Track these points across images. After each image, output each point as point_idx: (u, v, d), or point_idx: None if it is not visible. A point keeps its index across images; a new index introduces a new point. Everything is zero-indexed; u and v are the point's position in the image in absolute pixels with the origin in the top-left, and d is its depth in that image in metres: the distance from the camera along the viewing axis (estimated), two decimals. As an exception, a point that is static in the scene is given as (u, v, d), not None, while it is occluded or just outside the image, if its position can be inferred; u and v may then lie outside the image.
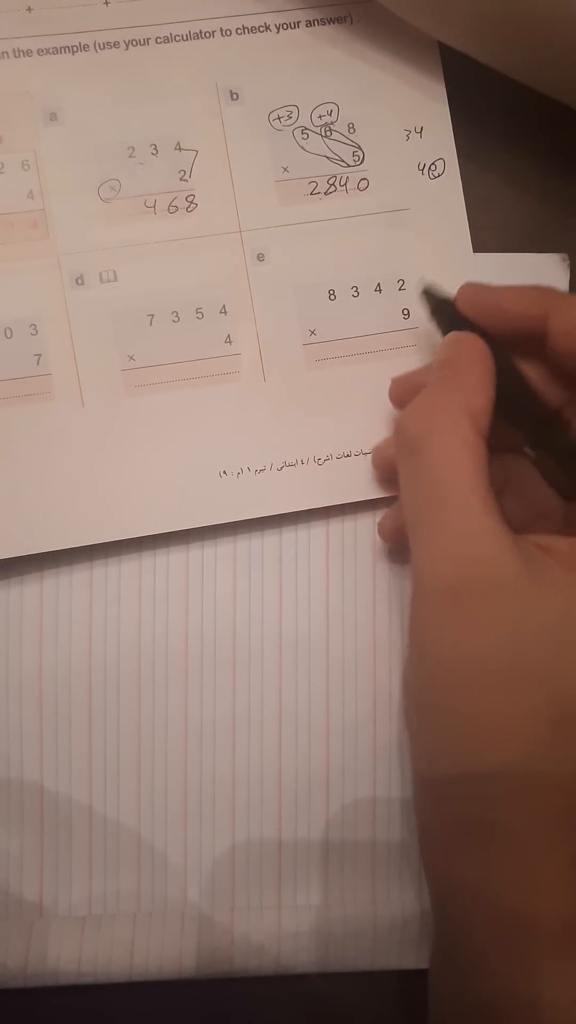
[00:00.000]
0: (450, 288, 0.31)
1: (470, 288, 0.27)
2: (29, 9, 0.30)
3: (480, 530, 0.23)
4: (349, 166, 0.30)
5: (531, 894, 0.24)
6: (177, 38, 0.30)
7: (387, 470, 0.29)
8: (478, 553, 0.23)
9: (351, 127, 0.30)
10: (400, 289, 0.30)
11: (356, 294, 0.30)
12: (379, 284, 0.30)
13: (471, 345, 0.26)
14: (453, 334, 0.27)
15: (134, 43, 0.30)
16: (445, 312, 0.28)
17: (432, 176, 0.31)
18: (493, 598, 0.22)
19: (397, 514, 0.29)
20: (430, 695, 0.24)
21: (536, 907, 0.24)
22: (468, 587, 0.23)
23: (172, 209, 0.30)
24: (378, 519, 0.30)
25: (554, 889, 0.24)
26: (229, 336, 0.30)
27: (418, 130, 0.31)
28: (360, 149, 0.31)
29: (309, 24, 0.30)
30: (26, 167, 0.30)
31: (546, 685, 0.22)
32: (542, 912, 0.24)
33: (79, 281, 0.30)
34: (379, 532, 0.30)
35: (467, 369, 0.25)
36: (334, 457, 0.30)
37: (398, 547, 0.30)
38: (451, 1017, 0.25)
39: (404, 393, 0.29)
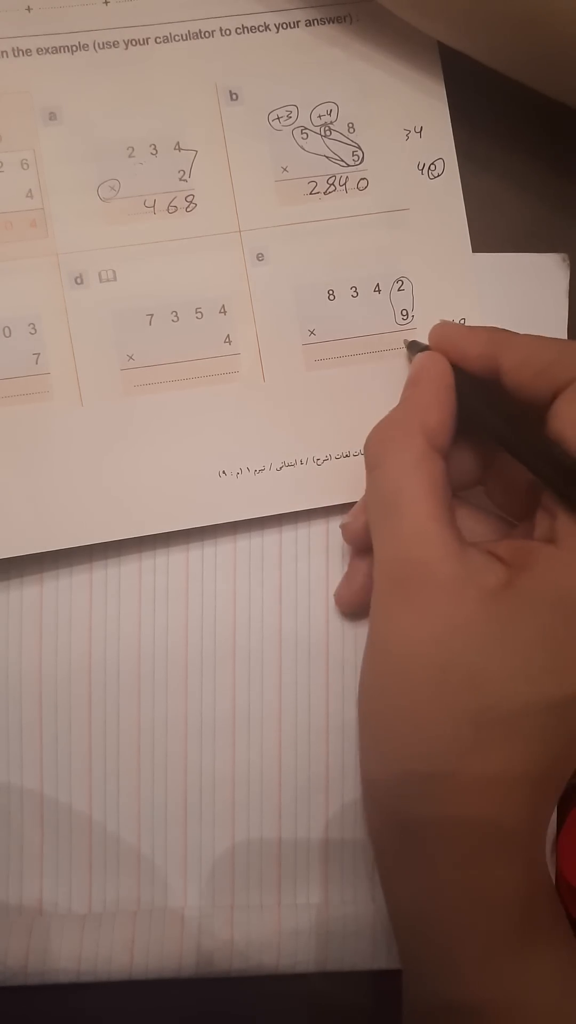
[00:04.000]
0: (449, 289, 0.31)
1: (439, 325, 0.28)
2: (28, 9, 0.30)
3: (424, 535, 0.24)
4: (349, 166, 0.30)
5: (468, 899, 0.24)
6: (176, 38, 0.30)
7: (358, 541, 0.29)
8: (420, 555, 0.24)
9: (351, 127, 0.30)
10: (399, 289, 0.30)
11: (355, 294, 0.30)
12: (378, 284, 0.30)
13: (431, 362, 0.27)
14: (418, 355, 0.28)
15: (133, 43, 0.30)
16: (416, 350, 0.29)
17: (432, 176, 0.31)
18: (429, 596, 0.24)
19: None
20: (374, 686, 0.26)
21: (471, 912, 0.24)
22: (409, 585, 0.24)
23: (171, 209, 0.30)
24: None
25: (500, 891, 0.24)
26: (228, 336, 0.30)
27: (418, 130, 0.31)
28: (360, 149, 0.30)
29: (308, 24, 0.30)
30: (25, 166, 0.30)
31: (471, 684, 0.24)
32: (479, 917, 0.24)
33: (78, 280, 0.30)
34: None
35: (425, 387, 0.27)
36: (333, 457, 0.30)
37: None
38: (419, 1016, 0.26)
39: None
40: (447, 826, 0.24)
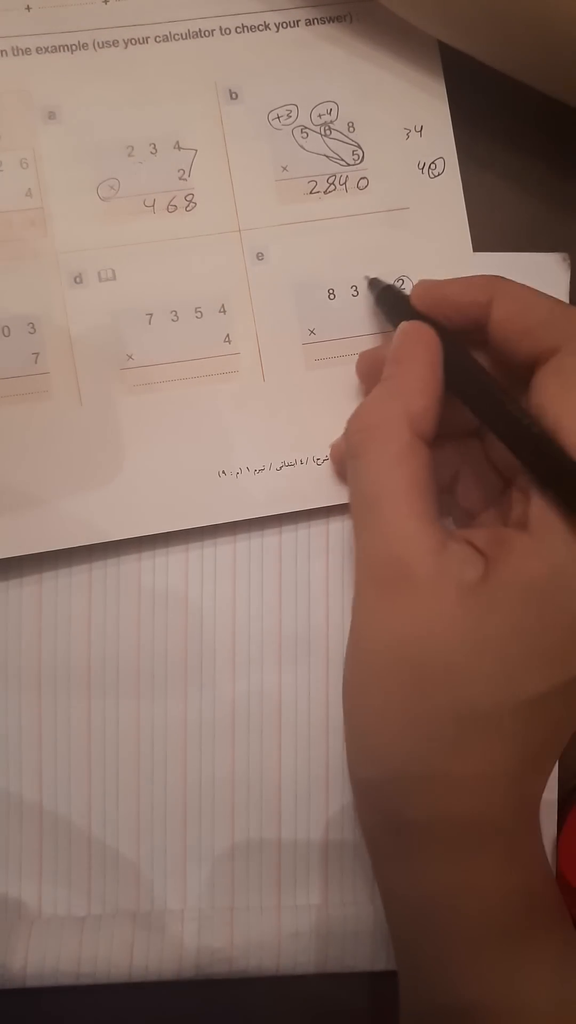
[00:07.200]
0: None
1: (422, 284, 0.27)
2: (28, 8, 0.29)
3: (405, 533, 0.24)
4: (349, 165, 0.30)
5: (459, 897, 0.24)
6: (176, 37, 0.30)
7: (342, 467, 0.29)
8: (400, 553, 0.24)
9: (351, 126, 0.30)
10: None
11: (356, 293, 0.30)
12: (379, 283, 0.30)
13: (417, 336, 0.26)
14: (403, 324, 0.26)
15: (133, 42, 0.30)
16: (392, 303, 0.28)
17: (432, 175, 0.31)
18: (409, 596, 0.24)
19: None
20: (356, 684, 0.25)
21: (463, 910, 0.24)
22: (389, 584, 0.24)
23: (171, 208, 0.30)
24: None
25: (488, 889, 0.24)
26: (228, 335, 0.30)
27: (418, 129, 0.31)
28: (360, 148, 0.30)
29: (309, 23, 0.30)
30: (24, 165, 0.30)
31: (450, 683, 0.23)
32: (471, 915, 0.24)
33: (78, 280, 0.30)
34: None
35: (410, 367, 0.25)
36: (333, 457, 0.30)
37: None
38: (415, 1018, 0.26)
39: (370, 367, 0.29)
40: (433, 824, 0.24)
